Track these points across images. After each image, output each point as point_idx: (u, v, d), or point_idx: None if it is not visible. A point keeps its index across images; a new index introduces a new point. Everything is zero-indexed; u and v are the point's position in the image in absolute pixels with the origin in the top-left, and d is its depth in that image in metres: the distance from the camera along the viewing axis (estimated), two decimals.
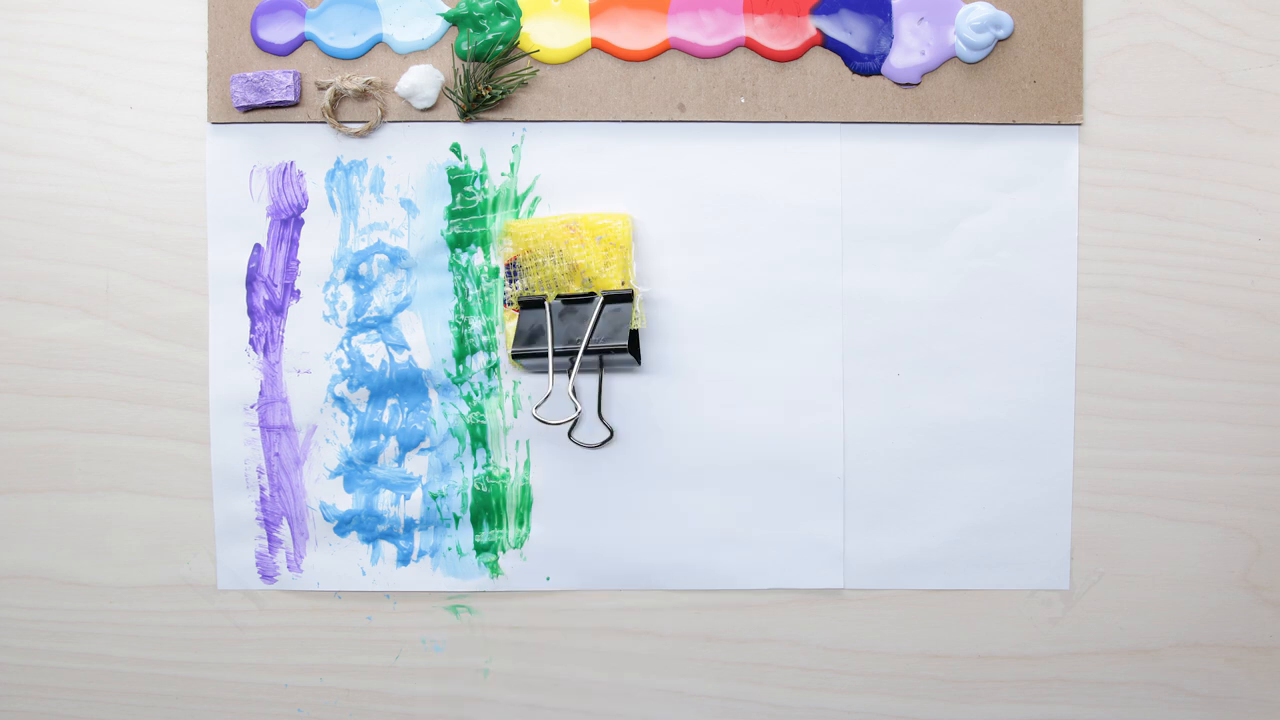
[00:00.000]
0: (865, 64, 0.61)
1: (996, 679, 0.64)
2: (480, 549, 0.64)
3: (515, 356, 0.60)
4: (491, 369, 0.63)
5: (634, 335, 0.61)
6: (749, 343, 0.63)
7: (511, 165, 0.62)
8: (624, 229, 0.60)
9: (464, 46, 0.61)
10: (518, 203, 0.62)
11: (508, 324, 0.62)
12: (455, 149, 0.62)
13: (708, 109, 0.62)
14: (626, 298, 0.60)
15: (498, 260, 0.62)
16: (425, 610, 0.64)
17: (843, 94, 0.61)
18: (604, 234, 0.60)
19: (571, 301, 0.61)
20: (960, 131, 0.62)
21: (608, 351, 0.60)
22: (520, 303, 0.61)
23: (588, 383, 0.62)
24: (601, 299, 0.60)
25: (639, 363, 0.62)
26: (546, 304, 0.61)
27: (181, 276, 0.63)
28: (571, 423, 0.60)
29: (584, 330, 0.60)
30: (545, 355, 0.60)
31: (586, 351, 0.60)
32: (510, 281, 0.61)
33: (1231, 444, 0.63)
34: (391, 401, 0.63)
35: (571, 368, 0.60)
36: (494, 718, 0.65)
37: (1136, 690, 0.64)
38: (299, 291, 0.63)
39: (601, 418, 0.62)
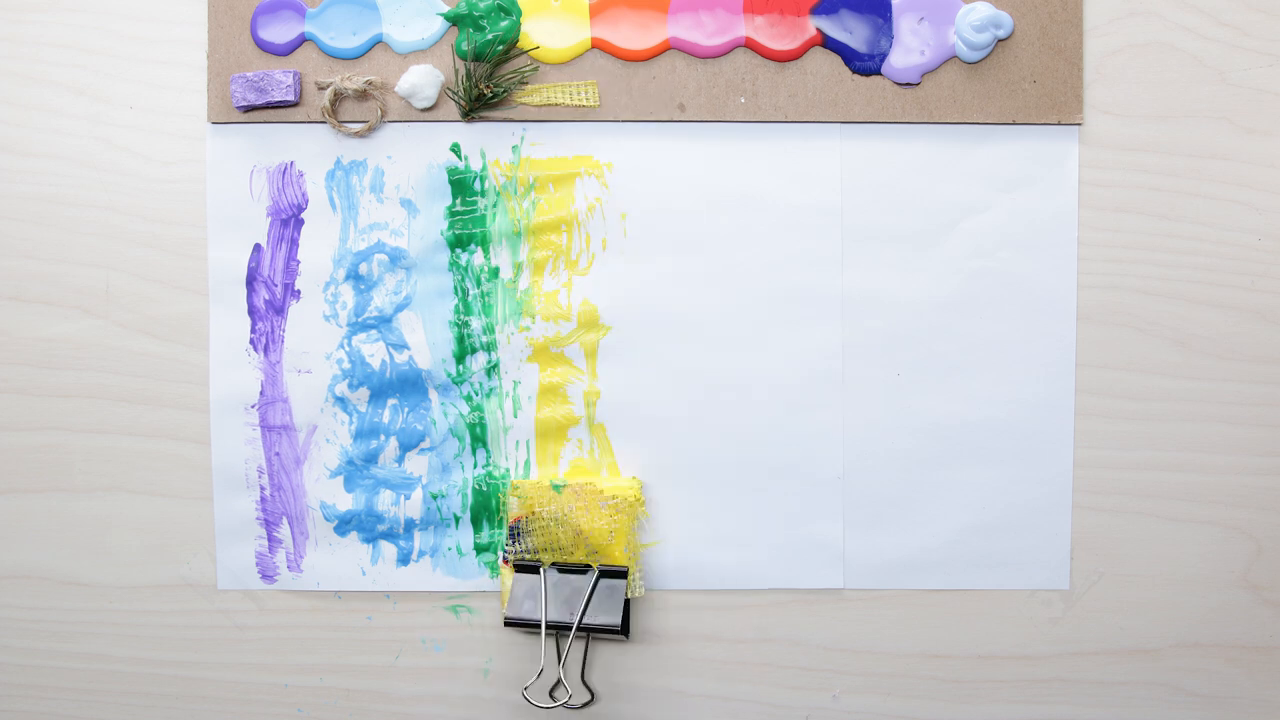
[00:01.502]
0: (865, 64, 0.61)
1: (996, 679, 0.64)
2: (480, 549, 0.64)
3: (508, 623, 0.61)
4: (491, 369, 0.63)
5: (626, 604, 0.61)
6: (749, 343, 0.63)
7: (511, 165, 0.62)
8: (633, 496, 0.61)
9: (464, 46, 0.61)
10: (518, 203, 0.62)
11: (505, 580, 0.62)
12: (455, 149, 0.62)
13: (708, 109, 0.62)
14: (621, 574, 0.61)
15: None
16: (425, 610, 0.64)
17: (843, 94, 0.61)
18: (611, 500, 0.61)
19: (567, 570, 0.61)
20: (960, 131, 0.62)
21: (598, 630, 0.61)
22: (516, 566, 0.62)
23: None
24: (597, 574, 0.61)
25: (627, 637, 0.62)
26: (541, 570, 0.61)
27: (181, 276, 0.63)
28: (564, 703, 0.61)
29: (578, 604, 0.61)
30: (538, 626, 0.61)
31: (579, 628, 0.61)
32: (513, 540, 0.62)
33: (1231, 444, 0.63)
34: (392, 401, 0.63)
35: (565, 640, 0.62)
36: (494, 718, 0.65)
37: (1136, 690, 0.64)
38: (299, 291, 0.63)
39: (584, 681, 0.63)
